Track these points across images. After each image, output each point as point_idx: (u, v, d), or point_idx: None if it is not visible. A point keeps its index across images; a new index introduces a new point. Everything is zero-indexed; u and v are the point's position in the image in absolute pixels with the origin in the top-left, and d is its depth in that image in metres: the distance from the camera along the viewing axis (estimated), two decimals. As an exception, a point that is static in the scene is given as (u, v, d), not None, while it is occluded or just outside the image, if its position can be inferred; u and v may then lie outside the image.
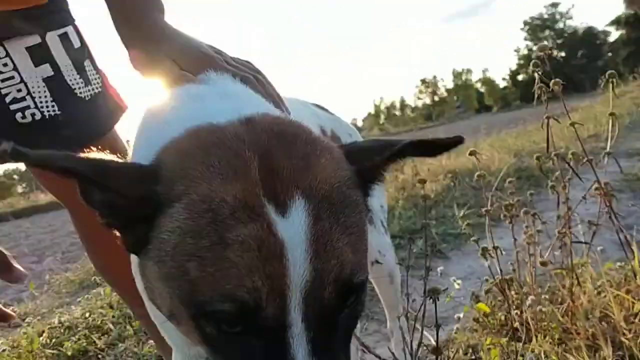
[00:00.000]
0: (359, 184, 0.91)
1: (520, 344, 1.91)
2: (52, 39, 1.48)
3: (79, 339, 3.09)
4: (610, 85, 2.10)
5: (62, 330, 3.29)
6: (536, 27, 73.87)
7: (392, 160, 0.94)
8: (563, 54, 66.40)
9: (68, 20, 1.55)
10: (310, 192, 0.81)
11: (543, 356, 1.80)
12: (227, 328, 0.80)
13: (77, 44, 1.54)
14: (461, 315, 2.10)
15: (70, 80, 1.51)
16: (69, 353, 2.91)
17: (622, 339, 1.85)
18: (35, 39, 1.45)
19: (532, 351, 1.81)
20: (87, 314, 3.47)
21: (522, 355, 1.84)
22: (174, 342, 1.28)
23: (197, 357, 1.27)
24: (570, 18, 74.31)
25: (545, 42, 2.14)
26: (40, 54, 1.46)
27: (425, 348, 1.49)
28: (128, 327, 3.16)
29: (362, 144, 1.03)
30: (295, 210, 0.78)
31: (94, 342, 3.03)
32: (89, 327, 3.27)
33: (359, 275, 0.82)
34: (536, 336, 1.95)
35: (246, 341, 0.79)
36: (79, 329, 3.25)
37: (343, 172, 0.88)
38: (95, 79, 1.59)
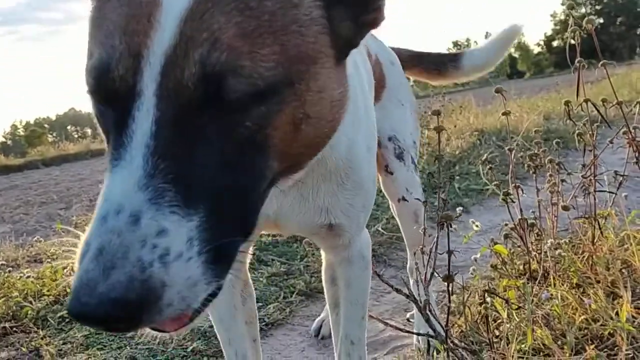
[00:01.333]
0: None
1: (537, 287, 1.90)
2: None
3: (101, 271, 3.15)
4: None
5: (85, 263, 3.35)
6: (575, -8, 71.55)
7: None
8: (601, 20, 64.50)
9: None
10: None
11: (560, 298, 1.79)
12: (94, 99, 0.71)
13: None
14: (478, 256, 2.08)
15: None
16: (91, 283, 2.97)
17: (642, 285, 1.82)
18: None
19: (549, 291, 1.80)
20: (110, 250, 3.52)
21: (537, 297, 1.82)
22: None
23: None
24: (610, -17, 71.96)
25: (584, 9, 2.07)
26: None
27: (437, 276, 1.48)
28: (149, 262, 3.20)
29: None
30: None
31: (115, 274, 3.09)
32: (111, 261, 3.32)
33: (241, 76, 0.66)
34: (554, 280, 1.93)
35: (107, 115, 0.69)
36: (101, 262, 3.31)
37: None
38: None
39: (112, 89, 0.67)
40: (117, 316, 0.60)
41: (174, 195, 0.64)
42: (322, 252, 1.47)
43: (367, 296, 1.44)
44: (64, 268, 3.29)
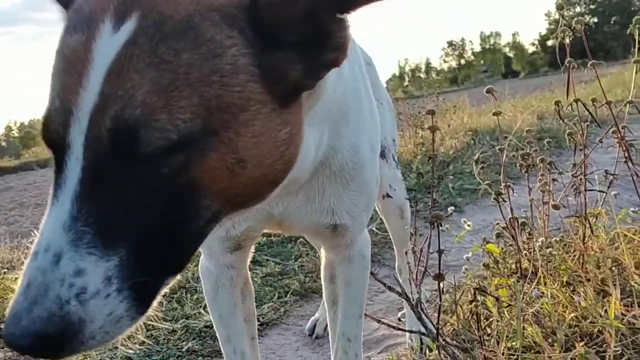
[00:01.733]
0: (238, 23, 0.75)
1: (526, 285, 1.92)
2: None
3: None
4: (637, 31, 2.06)
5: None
6: (569, -9, 71.87)
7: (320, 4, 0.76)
8: (595, 19, 64.70)
9: None
10: (149, 13, 0.72)
11: (550, 297, 1.81)
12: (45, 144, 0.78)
13: None
14: (470, 255, 2.10)
15: None
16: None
17: (632, 283, 1.84)
18: None
19: (539, 289, 1.82)
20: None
21: (528, 295, 1.84)
22: (210, 252, 1.32)
23: (228, 265, 1.33)
24: (605, -18, 72.18)
25: (578, 8, 2.10)
26: None
27: (429, 274, 1.50)
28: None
29: None
30: (124, 30, 0.72)
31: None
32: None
33: (155, 129, 0.69)
34: (545, 278, 1.95)
35: (54, 164, 0.76)
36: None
37: (215, 2, 0.75)
38: None
39: (51, 139, 0.75)
40: (39, 347, 0.67)
41: (92, 237, 0.69)
42: (322, 251, 1.48)
43: (365, 295, 1.47)
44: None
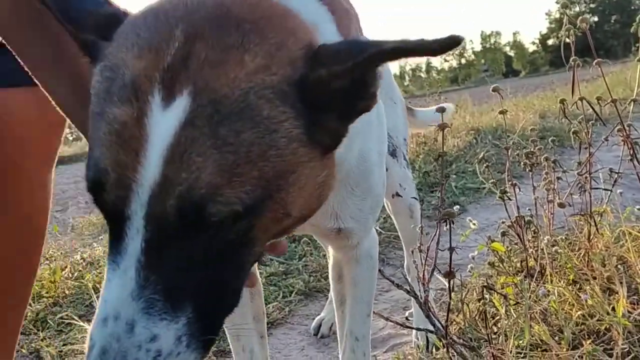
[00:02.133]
0: (290, 98, 0.76)
1: (534, 283, 1.92)
2: None
3: (100, 273, 3.17)
4: (641, 29, 2.06)
5: (84, 265, 3.37)
6: (569, -10, 71.69)
7: (364, 66, 0.78)
8: (596, 18, 64.73)
9: None
10: (202, 91, 0.72)
11: (556, 295, 1.81)
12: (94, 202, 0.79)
13: None
14: (475, 254, 2.10)
15: None
16: (90, 285, 2.98)
17: (638, 280, 1.84)
18: None
19: (546, 288, 1.82)
20: (109, 251, 3.54)
21: (535, 293, 1.84)
22: None
23: None
24: (605, -19, 72.19)
25: (578, 7, 2.11)
26: None
27: (439, 272, 1.50)
28: (147, 263, 3.22)
29: (339, 45, 0.81)
30: (177, 107, 0.71)
31: (115, 276, 3.10)
32: (110, 262, 3.33)
33: (221, 204, 0.72)
34: (551, 277, 1.95)
35: (109, 227, 0.78)
36: (100, 264, 3.33)
37: (266, 78, 0.75)
38: None
39: (106, 208, 0.77)
40: None
41: (162, 304, 0.72)
42: (330, 250, 1.48)
43: (373, 295, 1.47)
44: (63, 269, 3.30)
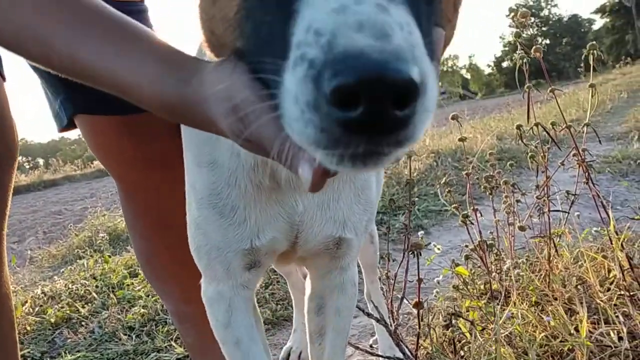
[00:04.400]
0: None
1: (499, 307, 1.95)
2: None
3: (62, 307, 3.10)
4: (591, 56, 2.15)
5: (45, 300, 3.29)
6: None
7: None
8: (547, 41, 66.73)
9: (150, 23, 1.54)
10: None
11: (520, 317, 1.85)
12: None
13: None
14: (440, 278, 2.14)
15: None
16: (52, 320, 2.92)
17: (598, 301, 1.89)
18: None
19: (510, 311, 1.85)
20: (71, 285, 3.47)
21: (500, 317, 1.88)
22: (228, 271, 1.16)
23: (243, 285, 1.19)
24: (555, 5, 74.66)
25: (530, 30, 2.20)
26: None
27: (407, 301, 1.52)
28: (112, 295, 3.17)
29: None
30: None
31: (78, 310, 3.04)
32: (73, 296, 3.27)
33: None
34: (514, 299, 1.99)
35: None
36: (62, 298, 3.26)
37: None
38: None
39: None
40: (409, 76, 0.51)
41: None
42: (309, 281, 1.42)
43: (350, 324, 1.43)
44: (23, 304, 3.22)
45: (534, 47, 1.98)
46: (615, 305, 1.87)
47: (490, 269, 2.18)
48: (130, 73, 0.77)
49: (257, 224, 1.08)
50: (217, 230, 1.09)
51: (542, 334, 1.77)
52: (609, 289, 2.00)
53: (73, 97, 1.43)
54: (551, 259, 2.16)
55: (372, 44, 0.51)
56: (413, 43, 0.54)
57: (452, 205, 2.25)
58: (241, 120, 0.69)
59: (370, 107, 0.51)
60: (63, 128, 1.51)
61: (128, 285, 3.35)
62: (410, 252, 1.41)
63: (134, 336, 2.64)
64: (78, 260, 4.40)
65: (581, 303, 1.84)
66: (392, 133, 0.55)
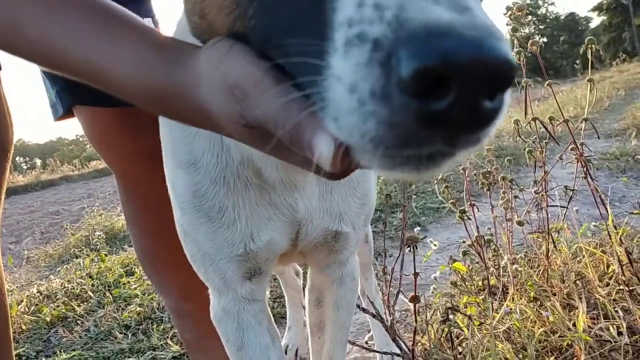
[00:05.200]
0: None
1: (497, 302, 1.94)
2: (149, 24, 1.48)
3: (57, 306, 3.08)
4: (590, 51, 2.13)
5: (41, 299, 3.28)
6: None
7: None
8: (545, 39, 66.82)
9: (153, 11, 1.53)
10: None
11: (519, 312, 1.83)
12: None
13: None
14: (437, 274, 2.12)
15: None
16: (48, 319, 2.90)
17: (597, 296, 1.88)
18: None
19: (508, 306, 1.84)
20: (67, 284, 3.46)
21: (498, 312, 1.86)
22: (225, 281, 1.06)
23: (248, 298, 1.09)
24: (552, 4, 74.80)
25: (527, 29, 2.18)
26: None
27: (403, 295, 1.50)
28: (107, 294, 3.15)
29: None
30: None
31: (73, 308, 3.02)
32: (68, 295, 3.26)
33: None
34: (512, 295, 1.98)
35: None
36: (58, 297, 3.24)
37: None
38: None
39: None
40: (507, 57, 0.43)
41: None
42: (309, 272, 1.36)
43: (351, 319, 1.38)
44: (19, 304, 3.20)
45: (530, 41, 1.97)
46: (614, 300, 1.86)
47: (487, 265, 2.16)
48: (109, 58, 0.67)
49: (248, 225, 0.99)
50: (205, 234, 1.00)
51: (541, 329, 1.76)
52: (608, 284, 1.98)
53: (71, 87, 1.41)
54: (549, 254, 2.15)
55: (457, 17, 0.42)
56: (487, 15, 0.45)
57: (449, 201, 2.23)
58: (240, 101, 0.59)
59: (462, 96, 0.42)
60: (59, 117, 1.49)
61: (124, 283, 3.33)
62: (407, 246, 1.39)
63: (129, 334, 2.62)
64: (74, 260, 4.39)
65: (580, 298, 1.82)
66: (477, 129, 0.46)
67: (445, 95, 0.41)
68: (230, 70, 0.59)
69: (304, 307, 2.28)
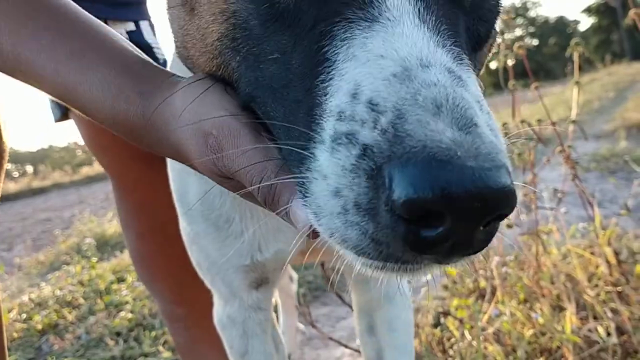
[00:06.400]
0: None
1: (485, 305, 1.95)
2: (145, 26, 1.49)
3: (49, 314, 3.07)
4: (576, 53, 2.15)
5: (32, 306, 3.26)
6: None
7: None
8: (535, 42, 67.12)
9: (148, 14, 1.55)
10: None
11: (509, 314, 1.84)
12: None
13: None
14: (428, 277, 2.12)
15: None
16: (39, 326, 2.89)
17: (586, 297, 1.89)
18: (131, 26, 1.45)
19: (498, 309, 1.85)
20: (58, 291, 3.45)
21: (487, 315, 1.87)
22: (231, 289, 1.03)
23: (254, 306, 1.06)
24: (540, 6, 75.28)
25: (517, 31, 2.21)
26: (136, 39, 1.45)
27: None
28: (99, 301, 3.14)
29: None
30: None
31: (64, 316, 3.01)
32: (60, 302, 3.25)
33: None
34: (502, 297, 1.99)
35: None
36: (49, 304, 3.23)
37: None
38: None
39: None
40: (509, 187, 0.40)
41: (467, 58, 0.49)
42: (352, 295, 1.23)
43: (413, 341, 1.21)
44: (10, 311, 3.19)
45: (516, 44, 1.98)
46: (603, 301, 1.87)
47: (477, 268, 2.17)
48: (80, 80, 0.63)
49: (256, 236, 0.94)
50: (213, 244, 0.96)
51: (530, 331, 1.77)
52: (596, 285, 2.00)
53: None
54: (539, 256, 2.16)
55: (459, 140, 0.38)
56: (494, 127, 0.43)
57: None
58: (214, 151, 0.55)
59: (456, 229, 0.39)
60: (58, 119, 1.50)
61: (115, 290, 3.32)
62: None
63: (121, 341, 2.61)
64: (65, 267, 4.38)
65: (569, 299, 1.83)
66: (467, 255, 0.44)
67: (438, 224, 0.39)
68: (206, 115, 0.56)
69: (297, 309, 2.28)
